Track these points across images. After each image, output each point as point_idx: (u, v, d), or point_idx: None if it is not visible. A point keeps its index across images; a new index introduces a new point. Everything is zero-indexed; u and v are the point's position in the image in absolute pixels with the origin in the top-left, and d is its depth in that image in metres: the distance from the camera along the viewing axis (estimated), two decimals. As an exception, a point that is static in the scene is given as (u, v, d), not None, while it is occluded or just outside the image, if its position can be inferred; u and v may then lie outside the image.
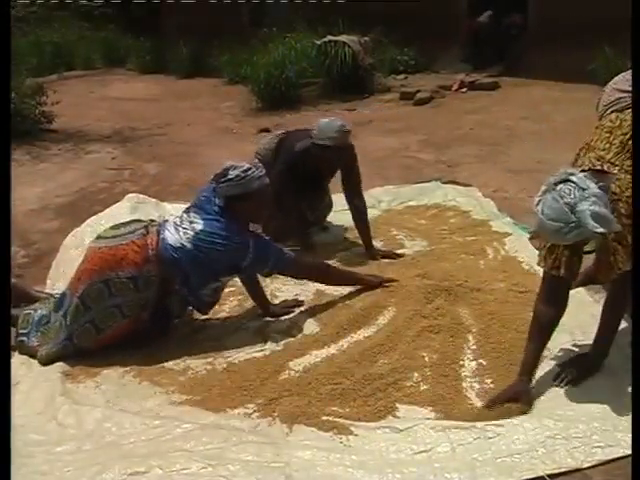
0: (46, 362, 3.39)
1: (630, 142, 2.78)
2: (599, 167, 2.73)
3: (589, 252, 3.17)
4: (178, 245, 3.30)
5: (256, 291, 3.77)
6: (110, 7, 15.11)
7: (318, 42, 9.99)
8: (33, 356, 3.45)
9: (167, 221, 3.51)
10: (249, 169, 3.32)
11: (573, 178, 2.59)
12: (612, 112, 3.05)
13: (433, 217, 4.98)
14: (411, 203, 5.28)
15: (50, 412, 3.01)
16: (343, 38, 9.91)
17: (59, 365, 3.38)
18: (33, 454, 2.73)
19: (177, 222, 3.41)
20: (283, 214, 4.38)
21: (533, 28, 10.74)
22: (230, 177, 3.30)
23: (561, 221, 2.55)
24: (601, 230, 2.52)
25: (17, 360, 3.40)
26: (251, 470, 2.54)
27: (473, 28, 10.52)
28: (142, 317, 3.41)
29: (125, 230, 3.40)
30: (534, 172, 5.72)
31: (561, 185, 2.59)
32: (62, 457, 2.70)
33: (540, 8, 10.61)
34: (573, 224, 2.54)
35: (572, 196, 2.55)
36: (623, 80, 3.22)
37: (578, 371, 2.97)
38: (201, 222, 3.32)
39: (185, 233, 3.31)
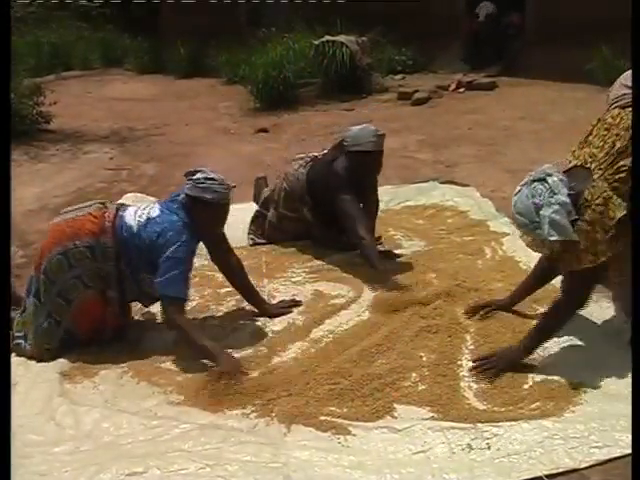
0: (45, 357, 3.42)
1: (617, 144, 2.83)
2: (588, 166, 2.86)
3: None
4: (129, 224, 3.37)
5: (250, 294, 3.77)
6: (108, 7, 15.10)
7: (316, 42, 9.98)
8: (30, 358, 3.45)
9: (131, 205, 3.61)
10: (214, 179, 3.31)
11: (549, 179, 2.76)
12: (615, 107, 3.07)
13: (431, 217, 4.99)
14: (409, 203, 5.28)
15: (48, 412, 3.01)
16: (341, 38, 9.91)
17: (57, 365, 3.37)
18: (31, 455, 2.73)
19: (139, 208, 3.48)
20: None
21: (531, 28, 10.74)
22: (194, 177, 3.34)
23: (526, 218, 2.78)
24: (555, 238, 2.70)
25: (15, 361, 3.39)
26: (249, 470, 2.54)
27: (473, 28, 10.51)
28: (109, 294, 3.41)
29: (83, 206, 3.52)
30: (532, 172, 5.72)
31: (536, 183, 2.78)
32: (60, 457, 2.70)
33: (538, 8, 10.61)
34: (536, 224, 2.75)
35: (542, 197, 2.74)
36: (630, 75, 3.23)
37: (499, 363, 3.06)
38: (157, 211, 3.38)
39: (140, 217, 3.38)
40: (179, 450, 2.67)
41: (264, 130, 8.28)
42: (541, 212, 2.72)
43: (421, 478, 2.49)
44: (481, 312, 3.50)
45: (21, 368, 3.37)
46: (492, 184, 5.57)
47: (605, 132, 2.92)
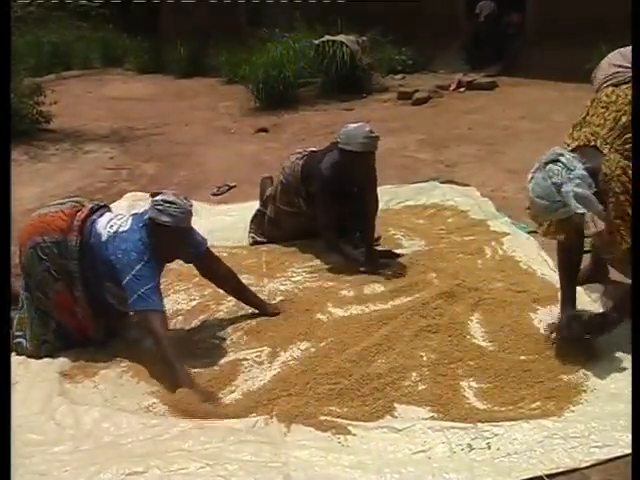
0: (43, 351, 3.47)
1: (623, 119, 2.88)
2: (593, 144, 2.88)
3: (587, 252, 3.24)
4: (99, 232, 3.39)
5: (247, 298, 3.78)
6: (108, 7, 15.09)
7: (316, 42, 9.97)
8: (30, 356, 3.46)
9: (111, 211, 3.64)
10: (173, 203, 3.26)
11: (562, 159, 2.77)
12: (608, 86, 3.10)
13: (431, 217, 4.98)
14: (409, 203, 5.27)
15: (48, 412, 3.01)
16: (341, 38, 9.89)
17: (57, 365, 3.38)
18: (31, 454, 2.74)
19: (115, 217, 3.49)
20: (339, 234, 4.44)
21: (531, 28, 10.73)
22: (155, 199, 3.32)
23: (548, 199, 2.76)
24: (582, 210, 2.70)
25: (15, 360, 3.40)
26: (249, 470, 2.54)
27: (473, 28, 10.50)
28: (75, 294, 3.43)
29: (59, 202, 3.58)
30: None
31: (550, 165, 2.78)
32: (60, 457, 2.71)
33: (538, 8, 10.60)
34: (559, 203, 2.74)
35: (560, 176, 2.73)
36: (618, 55, 3.28)
37: (588, 326, 3.05)
38: (127, 226, 3.38)
39: (111, 227, 3.39)
40: (179, 449, 2.67)
41: (264, 130, 8.27)
42: (562, 189, 2.72)
43: (421, 478, 2.49)
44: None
45: (21, 367, 3.38)
46: (492, 184, 5.56)
47: (603, 110, 2.97)
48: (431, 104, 9.17)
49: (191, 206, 3.35)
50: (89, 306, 3.47)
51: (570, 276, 3.30)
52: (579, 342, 3.09)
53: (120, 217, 3.48)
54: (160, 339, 3.19)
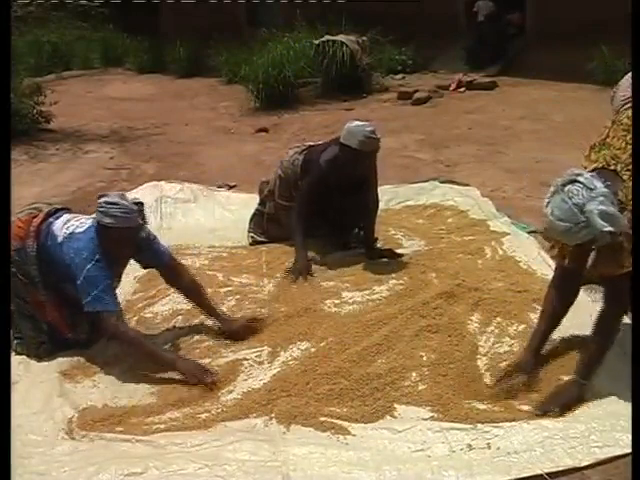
0: (41, 352, 3.47)
1: None
2: (613, 168, 2.76)
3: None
4: (55, 234, 3.39)
5: (208, 313, 3.65)
6: (108, 7, 15.09)
7: (316, 42, 9.98)
8: (29, 355, 3.46)
9: (71, 212, 3.63)
10: (115, 204, 3.23)
11: (580, 179, 2.62)
12: (628, 108, 3.04)
13: (431, 217, 4.98)
14: (409, 203, 5.27)
15: (48, 412, 3.01)
16: (341, 38, 9.90)
17: (57, 365, 3.37)
18: (30, 455, 2.73)
19: (73, 218, 3.49)
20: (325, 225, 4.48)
21: (531, 28, 10.75)
22: (99, 200, 3.30)
23: (571, 222, 2.59)
24: (609, 229, 2.54)
25: (15, 360, 3.39)
26: (248, 470, 2.54)
27: (473, 28, 10.51)
28: (39, 297, 3.44)
29: (17, 212, 3.59)
30: (532, 172, 5.72)
31: (569, 186, 2.62)
32: (59, 457, 2.70)
33: (538, 8, 10.61)
34: (582, 224, 2.57)
35: (580, 196, 2.58)
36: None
37: (562, 402, 2.86)
38: (84, 227, 3.37)
39: (67, 229, 3.39)
40: (178, 450, 2.67)
41: (264, 130, 8.27)
42: (586, 208, 2.57)
43: (420, 475, 2.49)
44: (510, 382, 3.03)
45: (21, 367, 3.37)
46: (492, 184, 5.57)
47: (624, 133, 2.87)
48: (431, 104, 9.17)
49: (138, 206, 3.31)
50: (56, 309, 3.46)
51: (550, 321, 3.13)
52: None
53: (78, 218, 3.47)
54: (123, 336, 3.28)
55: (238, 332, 3.53)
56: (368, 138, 4.08)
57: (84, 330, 3.52)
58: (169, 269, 3.62)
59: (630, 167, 2.75)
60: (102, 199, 3.29)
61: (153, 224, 4.55)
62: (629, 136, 2.84)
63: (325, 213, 4.44)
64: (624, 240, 2.67)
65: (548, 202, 2.69)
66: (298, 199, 4.35)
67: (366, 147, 4.09)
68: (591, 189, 2.59)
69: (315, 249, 4.43)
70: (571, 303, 3.11)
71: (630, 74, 3.18)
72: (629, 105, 3.03)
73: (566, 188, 2.64)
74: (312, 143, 4.68)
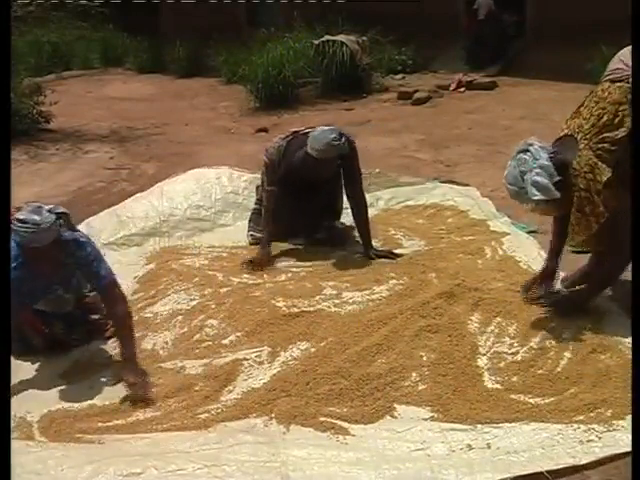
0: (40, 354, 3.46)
1: (604, 118, 3.05)
2: (577, 136, 3.11)
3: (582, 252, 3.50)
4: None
5: (121, 350, 3.34)
6: (108, 7, 15.08)
7: (316, 42, 9.97)
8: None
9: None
10: (23, 222, 3.07)
11: (531, 148, 3.06)
12: (607, 81, 3.21)
13: (431, 217, 4.98)
14: (409, 203, 5.27)
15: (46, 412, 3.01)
16: (341, 38, 9.89)
17: (57, 365, 3.38)
18: (28, 454, 2.72)
19: None
20: (288, 217, 4.48)
21: (531, 28, 10.75)
22: (13, 216, 3.12)
23: (515, 186, 3.10)
24: (538, 197, 3.02)
25: (15, 360, 3.38)
26: (247, 470, 2.54)
27: (473, 28, 10.50)
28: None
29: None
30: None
31: (521, 154, 3.09)
32: (57, 457, 2.69)
33: (538, 8, 10.61)
34: (523, 189, 3.06)
35: (526, 165, 3.05)
36: (627, 52, 3.29)
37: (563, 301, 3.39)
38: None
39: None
40: (177, 450, 2.67)
41: (264, 130, 8.26)
42: (525, 177, 3.04)
43: (420, 474, 2.49)
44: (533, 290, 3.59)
45: (21, 367, 3.37)
46: (492, 184, 5.55)
47: (594, 105, 3.12)
48: (431, 104, 9.17)
49: (62, 218, 3.22)
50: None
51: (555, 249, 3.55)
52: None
53: None
54: (124, 321, 3.31)
55: (128, 383, 3.17)
56: (329, 145, 4.16)
57: (60, 326, 3.51)
58: (104, 294, 3.38)
59: (587, 136, 3.08)
60: (16, 215, 3.13)
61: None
62: (595, 107, 3.12)
63: (297, 208, 4.47)
64: (588, 196, 3.03)
65: (508, 165, 3.15)
66: (265, 195, 4.48)
67: (326, 154, 4.19)
68: (536, 159, 3.02)
69: (313, 251, 4.45)
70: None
71: (623, 50, 3.25)
72: (609, 77, 3.23)
73: (518, 156, 3.09)
74: (296, 129, 4.69)
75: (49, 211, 3.19)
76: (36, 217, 3.09)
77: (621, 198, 3.00)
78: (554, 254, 3.57)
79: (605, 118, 3.04)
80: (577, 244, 3.33)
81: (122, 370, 3.21)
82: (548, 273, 3.57)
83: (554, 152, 3.08)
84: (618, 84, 3.10)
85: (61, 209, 3.38)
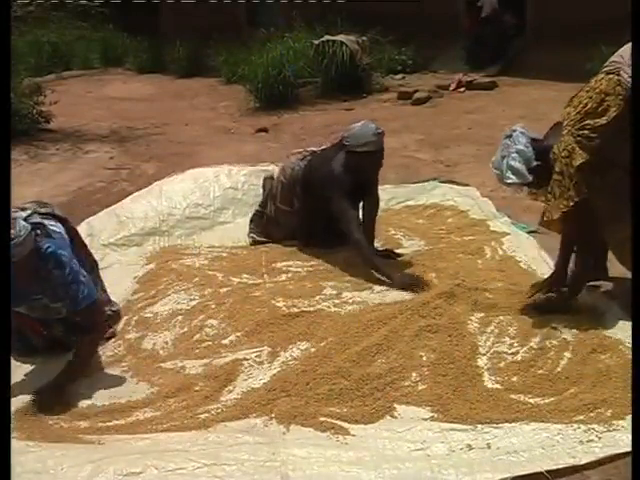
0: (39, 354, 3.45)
1: (588, 105, 3.17)
2: (564, 122, 3.26)
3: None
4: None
5: (76, 359, 3.27)
6: (108, 7, 15.08)
7: (316, 42, 9.97)
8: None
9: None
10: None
11: (513, 134, 3.27)
12: (602, 72, 3.27)
13: (431, 217, 4.98)
14: (409, 203, 5.27)
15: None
16: (341, 38, 9.88)
17: (56, 365, 3.37)
18: (27, 453, 2.72)
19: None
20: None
21: (531, 28, 10.74)
22: None
23: (498, 169, 3.28)
24: (511, 181, 3.23)
25: (15, 360, 3.38)
26: (247, 470, 2.53)
27: (473, 27, 10.49)
28: None
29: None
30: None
31: (505, 140, 3.29)
32: (57, 456, 2.69)
33: (538, 8, 10.60)
34: (504, 173, 3.24)
35: (506, 150, 3.24)
36: (627, 47, 3.29)
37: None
38: None
39: None
40: (177, 450, 2.67)
41: (264, 130, 8.27)
42: (503, 161, 3.24)
43: (420, 474, 2.49)
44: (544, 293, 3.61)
45: (21, 367, 3.37)
46: (492, 184, 5.52)
47: (584, 94, 3.23)
48: (431, 104, 9.17)
49: (29, 230, 3.05)
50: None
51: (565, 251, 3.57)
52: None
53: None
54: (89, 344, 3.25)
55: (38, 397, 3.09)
56: (376, 135, 4.15)
57: (59, 328, 3.48)
58: (80, 319, 3.27)
59: (570, 123, 3.23)
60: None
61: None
62: (583, 96, 3.23)
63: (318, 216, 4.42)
64: (560, 179, 3.17)
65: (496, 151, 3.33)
66: (345, 222, 4.12)
67: (379, 145, 4.15)
68: (515, 144, 3.21)
69: (313, 251, 4.43)
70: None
71: (625, 46, 3.26)
72: (604, 70, 3.27)
73: (503, 141, 3.28)
74: (314, 149, 4.67)
75: (25, 219, 3.09)
76: (15, 230, 2.98)
77: (592, 187, 3.14)
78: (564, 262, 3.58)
79: (589, 106, 3.16)
80: (545, 224, 3.43)
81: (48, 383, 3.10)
82: (556, 280, 3.57)
83: (537, 139, 3.28)
84: (609, 76, 3.17)
85: (30, 212, 3.23)
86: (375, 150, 4.14)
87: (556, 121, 3.35)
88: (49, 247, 3.15)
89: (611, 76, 3.16)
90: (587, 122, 3.15)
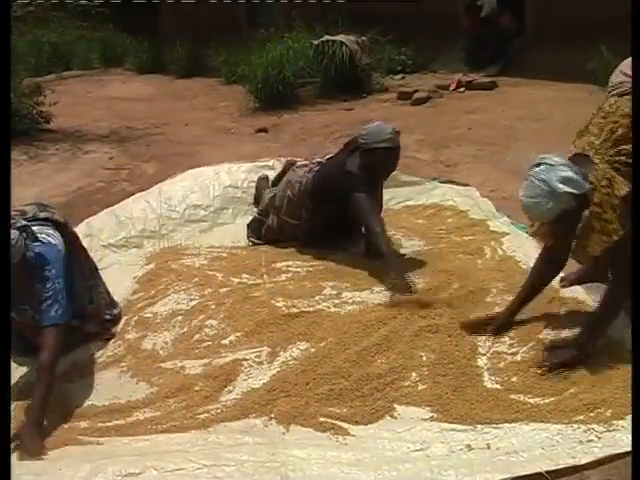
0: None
1: (619, 131, 2.91)
2: (587, 153, 2.93)
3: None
4: None
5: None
6: (108, 7, 15.09)
7: (315, 42, 9.96)
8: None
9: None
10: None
11: (544, 160, 2.87)
12: (612, 96, 3.11)
13: (431, 217, 4.97)
14: (409, 203, 5.26)
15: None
16: (340, 38, 9.87)
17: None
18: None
19: None
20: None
21: (531, 28, 10.74)
22: None
23: (538, 196, 2.81)
24: (568, 189, 2.75)
25: (15, 360, 3.39)
26: (246, 471, 2.54)
27: (473, 27, 10.48)
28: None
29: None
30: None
31: (535, 169, 2.86)
32: (56, 457, 2.70)
33: (538, 8, 10.60)
34: (548, 196, 2.78)
35: (543, 173, 2.81)
36: (629, 63, 3.26)
37: (562, 358, 3.05)
38: None
39: None
40: (176, 450, 2.67)
41: (264, 130, 8.26)
42: (548, 179, 2.78)
43: (419, 475, 2.49)
44: (486, 329, 3.39)
45: (21, 367, 3.37)
46: (492, 184, 5.56)
47: (602, 120, 3.00)
48: (431, 104, 9.16)
49: (17, 236, 3.01)
50: None
51: (529, 293, 3.40)
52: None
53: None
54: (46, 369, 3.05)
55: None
56: (393, 133, 4.17)
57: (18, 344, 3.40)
58: (40, 335, 3.12)
59: (600, 151, 2.92)
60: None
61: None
62: (604, 122, 2.98)
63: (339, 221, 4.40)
64: (600, 212, 2.82)
65: (522, 191, 2.91)
66: (365, 214, 4.10)
67: (397, 142, 4.17)
68: (552, 165, 2.81)
69: (313, 251, 4.43)
70: (548, 281, 3.40)
71: (624, 62, 3.22)
72: (616, 92, 3.16)
73: (531, 171, 2.87)
74: (320, 159, 4.66)
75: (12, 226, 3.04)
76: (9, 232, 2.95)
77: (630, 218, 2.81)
78: (519, 304, 3.40)
79: (620, 132, 2.91)
80: (579, 261, 3.18)
81: (22, 425, 2.92)
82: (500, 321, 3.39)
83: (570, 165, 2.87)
84: (626, 97, 3.04)
85: (22, 222, 3.18)
86: (392, 147, 4.15)
87: (573, 153, 3.02)
88: (38, 259, 3.12)
89: (628, 97, 3.03)
90: (622, 147, 2.89)
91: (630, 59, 3.33)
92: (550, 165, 2.81)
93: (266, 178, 5.00)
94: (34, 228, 3.26)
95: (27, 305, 3.22)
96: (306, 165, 4.63)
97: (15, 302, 3.05)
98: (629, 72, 3.15)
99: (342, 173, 4.23)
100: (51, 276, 3.13)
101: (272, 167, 5.30)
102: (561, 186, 2.75)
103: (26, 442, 2.82)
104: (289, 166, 4.84)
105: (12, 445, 2.75)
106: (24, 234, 3.10)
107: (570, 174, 2.77)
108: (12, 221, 3.07)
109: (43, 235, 3.29)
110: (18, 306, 3.19)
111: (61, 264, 3.23)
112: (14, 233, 3.01)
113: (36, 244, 3.17)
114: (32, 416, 2.91)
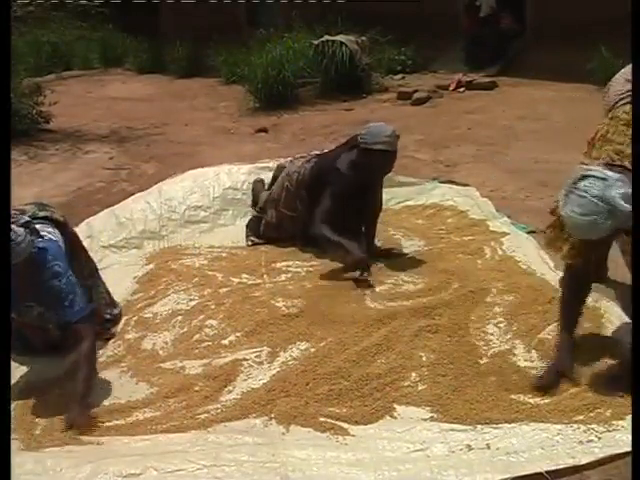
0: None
1: None
2: (618, 162, 2.72)
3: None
4: None
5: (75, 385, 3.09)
6: (108, 7, 15.09)
7: (315, 42, 9.97)
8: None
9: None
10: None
11: (591, 173, 2.61)
12: (626, 103, 3.06)
13: (430, 217, 4.97)
14: (408, 203, 5.26)
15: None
16: (340, 38, 9.88)
17: (56, 365, 3.37)
18: (26, 454, 2.72)
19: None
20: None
21: (531, 28, 10.74)
22: None
23: (594, 214, 2.55)
24: (630, 208, 2.52)
25: (15, 360, 3.38)
26: (246, 471, 2.53)
27: (473, 27, 10.48)
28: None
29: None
30: (532, 172, 5.72)
31: (581, 183, 2.60)
32: (56, 457, 2.69)
33: (538, 8, 10.60)
34: (606, 213, 2.54)
35: (596, 188, 2.56)
36: (629, 70, 3.23)
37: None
38: None
39: None
40: (176, 451, 2.67)
41: (264, 130, 8.26)
42: (606, 196, 2.55)
43: (419, 475, 2.49)
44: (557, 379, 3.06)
45: (21, 367, 3.37)
46: (492, 184, 5.56)
47: (625, 127, 2.87)
48: (431, 104, 9.16)
49: (23, 233, 2.99)
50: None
51: (577, 311, 3.14)
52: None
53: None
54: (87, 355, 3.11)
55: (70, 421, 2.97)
56: (392, 136, 4.14)
57: (56, 331, 3.45)
58: (72, 330, 3.17)
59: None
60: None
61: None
62: (629, 129, 2.82)
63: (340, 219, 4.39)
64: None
65: (564, 204, 2.65)
66: (323, 211, 4.20)
67: (393, 146, 4.15)
68: (604, 179, 2.57)
69: (313, 251, 4.42)
70: (584, 297, 3.14)
71: (624, 69, 3.19)
72: (626, 100, 3.06)
73: (579, 185, 2.60)
74: (318, 152, 4.67)
75: (15, 223, 3.03)
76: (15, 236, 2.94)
77: None
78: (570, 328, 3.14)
79: None
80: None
81: (70, 406, 2.98)
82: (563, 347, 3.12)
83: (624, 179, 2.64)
84: None
85: (26, 218, 3.17)
86: (389, 150, 4.14)
87: (605, 162, 2.76)
88: (42, 254, 3.11)
89: None
90: None
91: (629, 66, 3.32)
92: (602, 179, 2.59)
93: (262, 181, 5.01)
94: (35, 225, 3.26)
95: (33, 302, 3.23)
96: (303, 157, 4.64)
97: (17, 300, 3.04)
98: (629, 77, 3.12)
99: (331, 168, 4.27)
100: (62, 271, 3.15)
101: (272, 169, 5.29)
102: (625, 205, 2.53)
103: (79, 420, 2.92)
104: (280, 170, 4.85)
105: (65, 426, 2.92)
106: (28, 230, 3.10)
107: (629, 191, 2.55)
108: (14, 219, 3.06)
109: (44, 232, 3.29)
110: (21, 304, 3.19)
111: (65, 259, 3.24)
112: (20, 230, 3.00)
113: (39, 240, 3.18)
114: (81, 396, 3.00)
